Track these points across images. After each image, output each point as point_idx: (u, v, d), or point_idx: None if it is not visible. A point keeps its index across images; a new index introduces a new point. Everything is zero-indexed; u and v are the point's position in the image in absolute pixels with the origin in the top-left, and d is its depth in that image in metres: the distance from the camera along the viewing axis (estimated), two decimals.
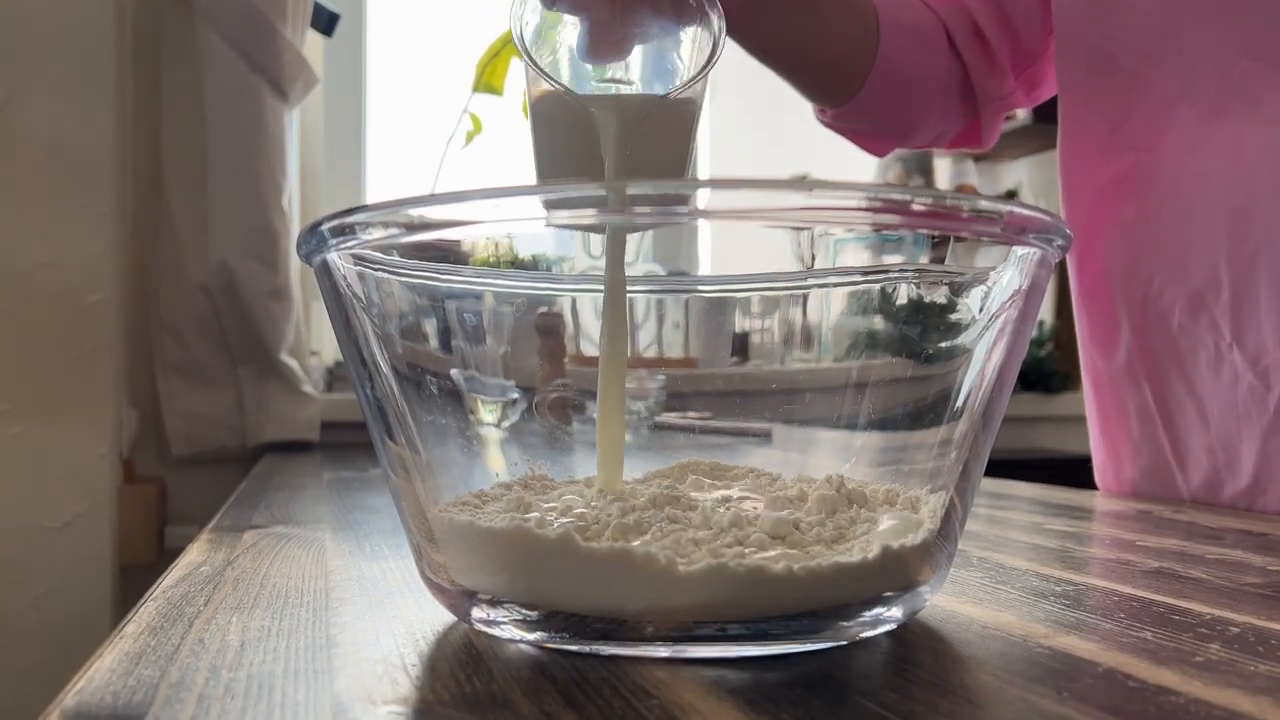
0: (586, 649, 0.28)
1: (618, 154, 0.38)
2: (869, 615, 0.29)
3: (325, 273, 0.32)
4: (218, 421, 1.28)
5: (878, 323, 0.36)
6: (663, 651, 0.27)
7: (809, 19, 0.67)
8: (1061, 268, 0.97)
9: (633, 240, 0.36)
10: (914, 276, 0.33)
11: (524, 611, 0.29)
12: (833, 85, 0.72)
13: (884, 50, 0.71)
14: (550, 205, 0.27)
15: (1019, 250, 0.31)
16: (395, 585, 0.38)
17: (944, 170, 2.07)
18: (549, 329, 0.38)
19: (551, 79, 0.39)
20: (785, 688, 0.25)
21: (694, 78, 0.39)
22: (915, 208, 0.27)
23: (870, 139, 0.79)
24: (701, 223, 0.29)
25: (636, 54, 0.41)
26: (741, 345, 0.39)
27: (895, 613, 0.30)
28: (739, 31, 0.63)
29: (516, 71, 1.47)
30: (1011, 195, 1.99)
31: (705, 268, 0.40)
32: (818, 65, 0.71)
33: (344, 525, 0.55)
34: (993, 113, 0.79)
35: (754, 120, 2.03)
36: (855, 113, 0.74)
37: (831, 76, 0.72)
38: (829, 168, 1.82)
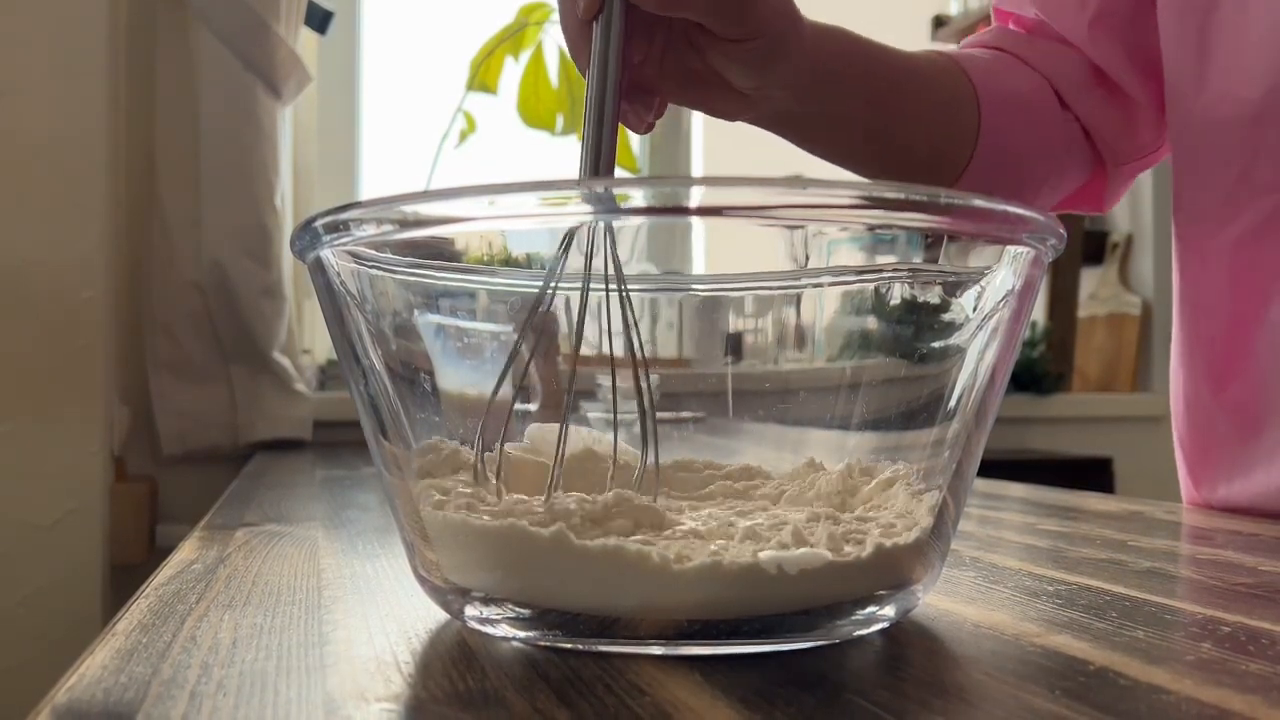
0: (580, 647, 0.28)
1: None
2: (862, 614, 0.29)
3: (319, 269, 0.32)
4: (210, 420, 1.28)
5: (871, 323, 0.36)
6: (656, 649, 0.27)
7: (884, 116, 0.58)
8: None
9: (627, 239, 0.36)
10: (907, 276, 0.33)
11: (517, 609, 0.29)
12: (928, 178, 0.61)
13: (987, 132, 0.61)
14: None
15: (1012, 250, 0.31)
16: (388, 583, 0.38)
17: None
18: (542, 328, 0.38)
19: None
20: (778, 686, 0.25)
21: None
22: (908, 205, 0.27)
23: None
24: (695, 222, 0.29)
25: None
26: (735, 345, 0.39)
27: (888, 611, 0.30)
28: (806, 142, 0.57)
29: (510, 70, 1.47)
30: None
31: (699, 267, 0.40)
32: (905, 164, 0.61)
33: (336, 523, 0.55)
34: (1129, 173, 0.68)
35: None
36: None
37: (925, 170, 0.61)
38: (822, 166, 1.82)
